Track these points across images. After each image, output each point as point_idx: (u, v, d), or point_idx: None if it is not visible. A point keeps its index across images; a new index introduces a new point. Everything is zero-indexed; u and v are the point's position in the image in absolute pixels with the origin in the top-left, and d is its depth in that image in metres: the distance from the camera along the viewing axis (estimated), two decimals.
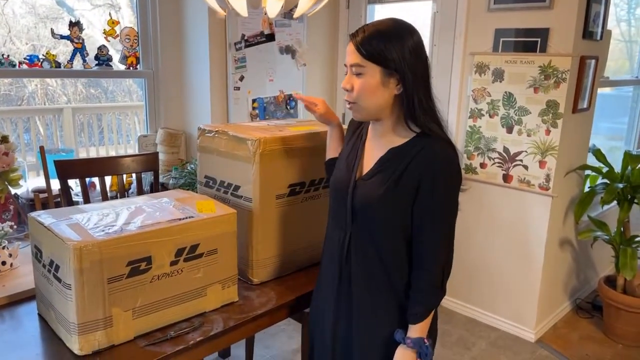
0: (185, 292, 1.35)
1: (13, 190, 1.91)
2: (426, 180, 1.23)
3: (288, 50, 3.28)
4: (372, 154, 1.35)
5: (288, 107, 3.37)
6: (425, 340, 1.28)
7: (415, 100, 1.23)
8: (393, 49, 1.21)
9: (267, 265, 1.63)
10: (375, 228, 1.30)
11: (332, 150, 1.56)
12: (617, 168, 3.02)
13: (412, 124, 1.26)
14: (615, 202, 2.95)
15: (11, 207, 2.29)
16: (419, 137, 1.27)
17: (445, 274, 1.29)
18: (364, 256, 1.33)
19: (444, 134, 1.27)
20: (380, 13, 3.57)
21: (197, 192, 1.71)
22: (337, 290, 1.38)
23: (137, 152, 3.14)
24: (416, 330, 1.28)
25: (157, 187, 2.34)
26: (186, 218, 1.33)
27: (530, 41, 2.66)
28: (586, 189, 3.10)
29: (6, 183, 1.80)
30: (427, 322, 1.29)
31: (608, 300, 2.92)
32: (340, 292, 1.38)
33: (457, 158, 1.26)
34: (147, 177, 2.79)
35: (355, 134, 1.43)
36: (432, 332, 1.36)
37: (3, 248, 1.59)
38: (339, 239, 1.37)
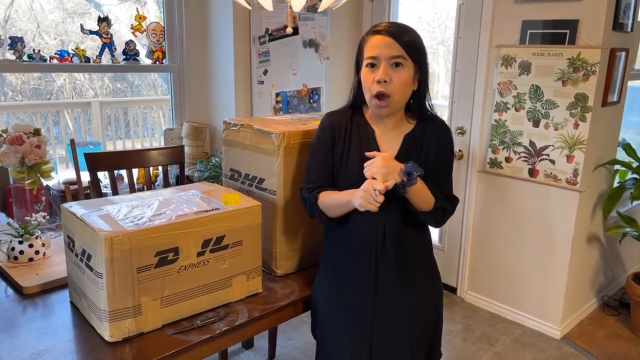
0: (211, 283, 1.37)
1: (45, 182, 1.96)
2: (443, 152, 1.41)
3: (311, 44, 3.29)
4: (389, 146, 1.40)
5: (311, 100, 3.38)
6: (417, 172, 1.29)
7: (427, 95, 1.39)
8: (422, 47, 1.32)
9: (291, 258, 1.65)
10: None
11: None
12: None
13: (417, 113, 1.40)
14: None
15: (43, 198, 2.36)
16: (421, 121, 1.41)
17: (451, 208, 1.43)
18: (403, 236, 1.40)
19: (435, 115, 1.45)
20: (404, 6, 3.54)
21: (222, 185, 1.74)
22: (375, 275, 1.40)
23: (162, 145, 3.19)
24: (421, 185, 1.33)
25: (182, 179, 2.38)
26: (212, 210, 1.35)
27: (558, 33, 2.60)
28: (615, 184, 3.03)
29: (38, 175, 1.85)
30: (425, 193, 1.34)
31: (636, 298, 2.86)
32: (380, 276, 1.40)
33: None
34: (173, 170, 2.84)
35: (347, 132, 1.42)
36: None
37: (36, 238, 1.64)
38: (372, 231, 1.39)
